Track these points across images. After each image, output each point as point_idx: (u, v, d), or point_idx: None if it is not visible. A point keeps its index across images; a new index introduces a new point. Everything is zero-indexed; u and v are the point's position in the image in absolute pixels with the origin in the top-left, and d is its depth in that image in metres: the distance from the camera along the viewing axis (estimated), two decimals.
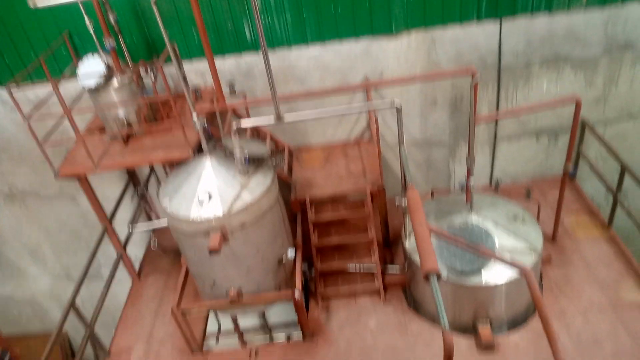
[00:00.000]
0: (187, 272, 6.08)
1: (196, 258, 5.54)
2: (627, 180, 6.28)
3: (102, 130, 6.28)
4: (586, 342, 5.44)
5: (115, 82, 5.79)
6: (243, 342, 6.51)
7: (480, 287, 5.38)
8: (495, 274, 5.36)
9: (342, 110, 5.68)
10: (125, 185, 7.27)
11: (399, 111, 5.20)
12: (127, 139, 6.08)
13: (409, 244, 5.89)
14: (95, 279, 8.72)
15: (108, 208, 6.70)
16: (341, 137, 7.44)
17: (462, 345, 5.58)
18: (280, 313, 8.20)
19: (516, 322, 5.79)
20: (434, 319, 5.92)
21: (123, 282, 7.39)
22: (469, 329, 5.72)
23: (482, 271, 5.38)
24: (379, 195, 6.33)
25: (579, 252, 6.48)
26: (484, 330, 5.61)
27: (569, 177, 6.30)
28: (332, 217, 6.43)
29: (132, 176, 7.40)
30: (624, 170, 6.16)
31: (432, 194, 6.86)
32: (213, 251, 4.88)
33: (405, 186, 5.66)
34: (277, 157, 6.62)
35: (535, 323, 5.77)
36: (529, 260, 5.43)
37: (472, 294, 5.50)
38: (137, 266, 7.36)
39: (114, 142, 6.13)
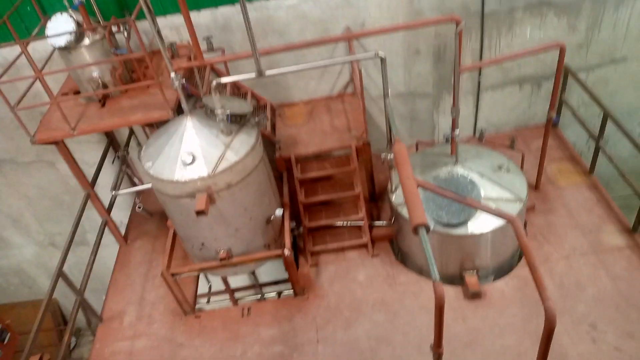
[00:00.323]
0: (174, 235, 6.05)
1: (183, 220, 5.49)
2: (609, 126, 6.33)
3: (76, 92, 6.07)
4: (569, 286, 5.61)
5: (86, 40, 5.55)
6: (235, 301, 6.59)
7: (467, 236, 5.46)
8: (481, 224, 5.43)
9: (325, 62, 5.54)
10: (105, 149, 7.11)
11: (383, 62, 5.09)
12: (103, 100, 5.88)
13: (396, 197, 5.91)
14: (82, 245, 8.66)
15: (89, 173, 6.57)
16: (324, 91, 7.31)
17: (450, 294, 5.71)
18: (270, 271, 8.31)
19: (502, 271, 5.92)
20: (421, 271, 6.03)
21: (110, 247, 7.34)
22: (456, 279, 5.84)
23: (469, 222, 5.44)
24: (364, 151, 6.30)
25: (562, 199, 6.59)
26: (471, 279, 5.74)
27: (552, 125, 6.31)
28: (317, 175, 6.40)
29: (111, 139, 7.23)
30: (606, 116, 6.19)
31: (416, 146, 6.85)
32: (200, 213, 4.82)
33: (390, 140, 5.62)
34: (260, 115, 6.49)
35: (519, 270, 5.91)
36: (514, 209, 5.51)
37: (459, 244, 5.59)
38: (123, 231, 7.30)
39: (89, 105, 5.93)
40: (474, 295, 5.64)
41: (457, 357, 5.13)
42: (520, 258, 6.13)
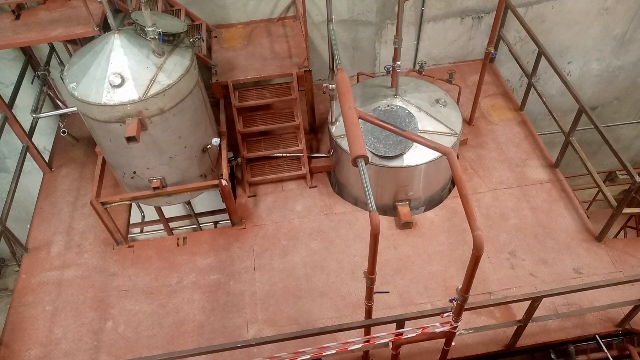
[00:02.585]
0: (103, 162, 5.75)
1: (113, 147, 5.20)
2: (541, 64, 6.51)
3: None
4: (494, 216, 5.95)
5: None
6: (170, 230, 6.48)
7: (402, 169, 5.58)
8: (416, 157, 5.55)
9: None
10: (22, 67, 6.47)
11: None
12: (17, 11, 5.28)
13: (336, 129, 5.88)
14: (2, 172, 8.10)
15: (5, 94, 6.01)
16: (264, 13, 6.93)
17: (383, 224, 5.90)
18: (207, 202, 8.19)
19: (432, 202, 6.16)
20: (356, 202, 6.16)
21: (33, 174, 6.91)
22: (390, 210, 6.03)
23: (404, 154, 5.55)
24: (305, 79, 6.14)
25: (493, 133, 6.84)
26: (403, 209, 5.95)
27: (489, 61, 6.40)
28: (256, 103, 6.20)
29: (29, 57, 6.58)
30: (540, 53, 6.34)
31: (357, 78, 6.76)
32: (131, 139, 4.56)
33: (333, 69, 5.49)
34: (194, 36, 6.10)
35: (449, 202, 6.18)
36: (448, 142, 5.65)
37: (394, 176, 5.72)
38: (47, 157, 6.85)
39: (2, 16, 5.31)
40: (406, 225, 5.87)
41: (388, 282, 5.40)
42: (450, 191, 6.40)
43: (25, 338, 5.23)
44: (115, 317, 5.34)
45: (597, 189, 6.50)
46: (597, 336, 5.43)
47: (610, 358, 5.50)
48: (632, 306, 4.77)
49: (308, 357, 4.22)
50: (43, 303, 5.49)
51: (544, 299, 4.31)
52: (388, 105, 5.81)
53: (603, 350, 5.55)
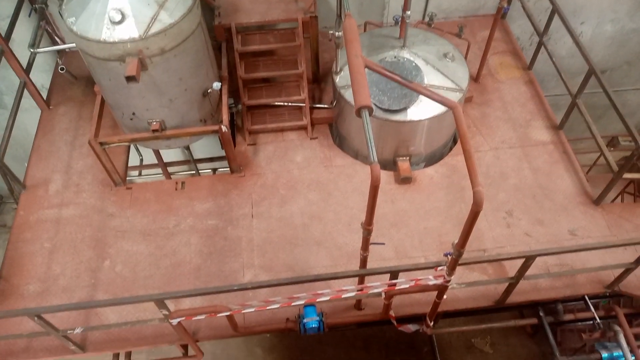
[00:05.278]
0: (102, 102, 5.66)
1: (112, 86, 5.10)
2: (553, 23, 6.33)
3: None
4: (494, 175, 5.94)
5: None
6: (168, 174, 6.46)
7: (405, 123, 5.51)
8: (420, 111, 5.48)
9: None
10: (18, 0, 6.26)
11: None
12: None
13: (340, 79, 5.77)
14: None
15: (1, 27, 5.83)
16: None
17: (383, 178, 5.74)
18: (205, 148, 8.15)
19: (433, 159, 6.13)
20: (357, 155, 6.11)
21: (31, 112, 6.82)
22: (390, 165, 6.00)
23: (408, 109, 5.47)
24: (311, 25, 5.96)
25: (499, 92, 6.73)
26: (403, 164, 5.92)
27: (500, 16, 6.21)
28: (259, 48, 6.05)
29: None
30: (554, 11, 6.14)
31: (365, 27, 6.58)
32: (130, 79, 4.47)
33: (340, 15, 5.32)
34: None
35: (449, 159, 6.14)
36: (454, 98, 5.55)
37: (397, 130, 5.65)
38: (45, 95, 6.74)
39: None
40: (405, 180, 5.86)
41: (384, 235, 5.44)
42: (451, 149, 6.35)
43: (24, 273, 5.31)
44: (113, 256, 5.40)
45: (599, 153, 6.47)
46: (585, 297, 5.55)
47: (597, 318, 5.64)
48: (623, 269, 4.84)
49: (302, 302, 4.30)
50: (41, 240, 5.54)
51: (537, 258, 4.36)
52: (395, 57, 5.68)
53: (590, 310, 5.69)
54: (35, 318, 4.10)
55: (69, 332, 4.44)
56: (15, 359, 4.86)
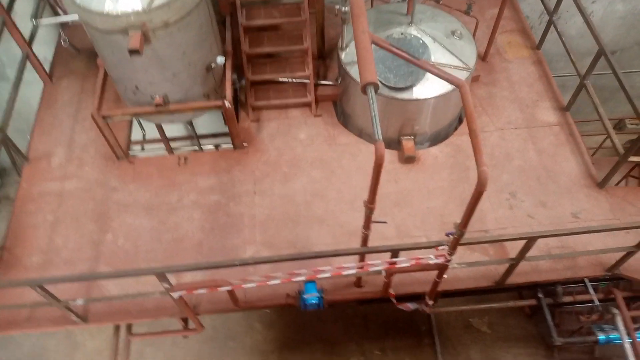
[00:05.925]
0: (105, 75, 5.61)
1: (115, 59, 5.05)
2: (564, 2, 6.21)
3: None
4: (499, 155, 5.90)
5: None
6: (170, 149, 6.44)
7: (411, 101, 5.46)
8: (426, 90, 5.41)
9: None
10: None
11: None
12: None
13: (345, 56, 5.69)
14: (1, 81, 7.95)
15: None
16: None
17: (386, 157, 5.71)
18: (208, 124, 8.09)
19: (438, 138, 6.08)
20: (361, 133, 6.07)
21: (33, 84, 6.76)
22: (394, 144, 5.95)
23: (414, 87, 5.40)
24: (317, 0, 5.86)
25: (506, 72, 6.64)
26: (408, 143, 5.88)
27: None
28: (264, 23, 5.97)
29: None
30: None
31: (371, 2, 6.47)
32: (133, 52, 4.41)
33: None
34: None
35: (453, 139, 6.10)
36: (461, 76, 5.46)
37: (402, 109, 5.60)
38: (47, 68, 6.68)
39: None
40: (409, 159, 5.82)
41: (386, 214, 5.43)
42: (456, 128, 6.30)
43: (27, 244, 5.34)
44: (115, 230, 5.42)
45: (605, 136, 6.41)
46: (585, 279, 5.57)
47: (596, 300, 5.67)
48: (625, 252, 4.84)
49: (303, 279, 4.32)
50: (44, 212, 5.56)
51: (538, 240, 4.35)
52: (402, 34, 5.59)
53: (589, 293, 5.72)
54: (37, 288, 4.14)
55: (70, 303, 4.49)
56: (18, 328, 4.93)
